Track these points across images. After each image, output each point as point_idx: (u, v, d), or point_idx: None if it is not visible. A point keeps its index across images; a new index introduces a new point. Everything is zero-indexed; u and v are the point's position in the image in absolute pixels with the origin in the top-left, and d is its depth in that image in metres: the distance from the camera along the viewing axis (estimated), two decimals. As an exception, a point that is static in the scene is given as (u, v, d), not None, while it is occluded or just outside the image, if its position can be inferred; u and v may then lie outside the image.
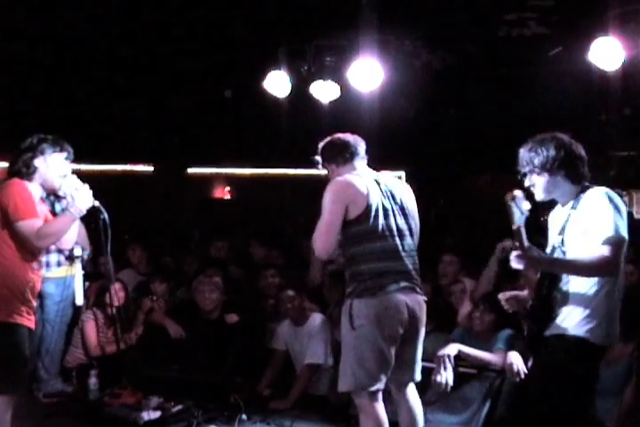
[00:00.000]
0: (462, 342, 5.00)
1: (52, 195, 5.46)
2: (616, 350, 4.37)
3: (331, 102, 8.41)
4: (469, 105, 10.37)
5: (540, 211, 3.71)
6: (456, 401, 4.82)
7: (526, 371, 4.54)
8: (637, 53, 6.50)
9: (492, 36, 7.69)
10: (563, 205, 3.61)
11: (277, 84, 8.09)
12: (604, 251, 3.31)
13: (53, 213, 5.56)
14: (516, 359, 4.65)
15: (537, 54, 7.97)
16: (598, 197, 3.42)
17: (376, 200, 4.05)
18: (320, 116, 8.89)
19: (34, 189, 4.08)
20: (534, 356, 3.86)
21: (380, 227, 4.01)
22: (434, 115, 11.29)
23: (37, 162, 4.08)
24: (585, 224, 3.40)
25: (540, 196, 3.57)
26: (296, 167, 15.03)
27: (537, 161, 3.50)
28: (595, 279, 3.39)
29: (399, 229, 4.07)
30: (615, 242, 3.31)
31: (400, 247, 4.05)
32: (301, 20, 7.73)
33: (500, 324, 5.01)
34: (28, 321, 3.98)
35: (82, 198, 4.09)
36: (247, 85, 9.09)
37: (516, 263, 3.36)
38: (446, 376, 4.73)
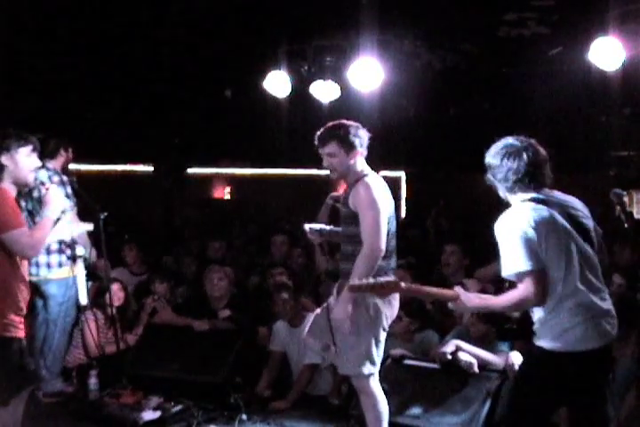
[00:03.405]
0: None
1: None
2: (616, 351, 4.38)
3: (331, 102, 8.42)
4: (469, 105, 10.38)
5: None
6: (456, 401, 4.81)
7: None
8: (637, 53, 6.50)
9: (492, 36, 7.69)
10: None
11: (277, 84, 8.09)
12: (521, 291, 3.26)
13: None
14: (517, 360, 4.65)
15: (537, 54, 7.98)
16: (508, 223, 3.33)
17: (389, 204, 4.30)
18: (320, 116, 8.88)
19: (10, 190, 3.94)
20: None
21: (391, 229, 4.27)
22: (434, 115, 11.30)
23: (4, 159, 3.91)
24: (501, 251, 3.35)
25: (501, 193, 3.56)
26: (296, 167, 15.06)
27: (494, 168, 3.51)
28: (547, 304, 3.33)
29: (395, 231, 4.36)
30: (527, 277, 3.23)
31: (395, 248, 4.33)
32: (301, 20, 7.73)
33: (494, 333, 5.02)
34: (21, 331, 3.90)
35: (54, 198, 4.02)
36: (247, 85, 9.11)
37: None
38: (468, 358, 4.81)
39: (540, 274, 3.25)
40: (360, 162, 4.33)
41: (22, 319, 3.93)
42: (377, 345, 4.23)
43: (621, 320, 3.46)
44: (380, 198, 4.20)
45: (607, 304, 3.38)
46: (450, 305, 3.46)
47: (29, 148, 3.98)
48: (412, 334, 5.43)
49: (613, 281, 5.50)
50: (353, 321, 4.15)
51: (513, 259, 3.26)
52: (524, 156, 3.42)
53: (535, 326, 3.40)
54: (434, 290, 3.54)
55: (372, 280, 3.43)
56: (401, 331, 5.40)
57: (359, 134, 4.29)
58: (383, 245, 4.13)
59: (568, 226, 3.33)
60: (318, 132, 4.32)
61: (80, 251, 5.48)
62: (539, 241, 3.25)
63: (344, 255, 4.31)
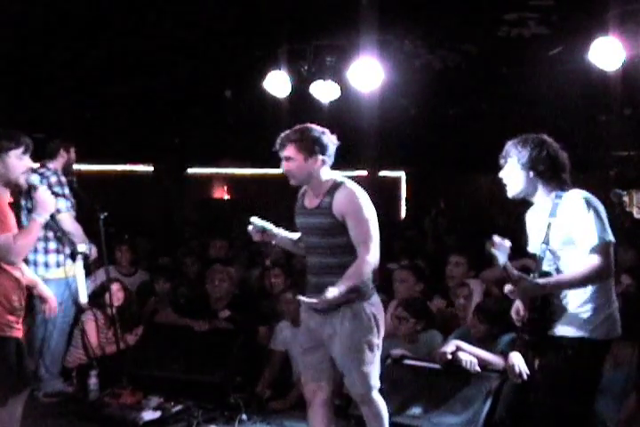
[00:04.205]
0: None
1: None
2: (620, 353, 4.38)
3: (331, 102, 8.42)
4: (469, 105, 10.38)
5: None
6: (456, 401, 4.81)
7: (528, 372, 4.53)
8: (637, 53, 6.50)
9: (492, 36, 7.69)
10: (538, 208, 3.64)
11: (277, 84, 8.09)
12: (594, 260, 3.34)
13: (52, 215, 5.59)
14: (517, 360, 4.64)
15: (537, 54, 7.98)
16: (575, 202, 3.44)
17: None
18: (320, 116, 8.87)
19: (3, 194, 3.90)
20: (540, 359, 3.87)
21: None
22: (434, 115, 11.31)
23: None
24: (568, 233, 3.42)
25: (511, 191, 3.61)
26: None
27: (516, 156, 3.55)
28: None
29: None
30: (602, 248, 3.35)
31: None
32: (301, 20, 7.73)
33: (496, 332, 5.01)
34: (18, 331, 3.87)
35: (43, 200, 3.94)
36: (247, 85, 9.10)
37: (513, 297, 3.48)
38: (468, 357, 4.79)
39: (611, 250, 3.38)
40: (325, 170, 4.06)
41: (19, 319, 3.90)
42: (376, 355, 4.12)
43: (629, 322, 3.49)
44: (370, 204, 4.02)
45: None
46: (507, 289, 3.45)
47: (20, 150, 3.89)
48: (417, 334, 5.42)
49: (621, 282, 5.50)
50: (352, 338, 3.99)
51: (594, 230, 3.35)
52: (547, 146, 3.54)
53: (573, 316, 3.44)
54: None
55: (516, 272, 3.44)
56: (407, 332, 5.40)
57: (322, 140, 4.02)
58: (377, 254, 3.98)
59: None
60: (280, 135, 4.09)
61: (82, 247, 5.46)
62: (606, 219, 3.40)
63: (324, 268, 4.03)
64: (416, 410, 4.86)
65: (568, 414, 3.42)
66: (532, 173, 3.53)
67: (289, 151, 4.01)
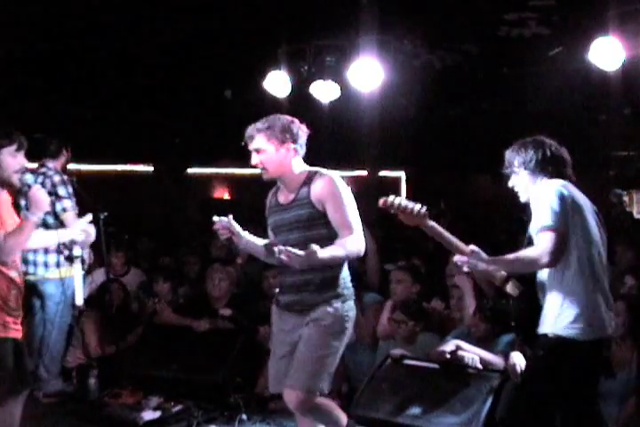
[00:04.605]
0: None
1: (53, 195, 5.47)
2: (621, 355, 4.39)
3: (331, 102, 8.41)
4: (469, 105, 10.38)
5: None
6: (456, 401, 4.81)
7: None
8: (637, 53, 6.50)
9: (491, 36, 7.70)
10: None
11: (277, 84, 8.09)
12: (540, 241, 3.35)
13: (56, 215, 5.59)
14: (518, 360, 4.64)
15: (537, 54, 7.98)
16: (542, 190, 3.47)
17: None
18: (320, 116, 8.89)
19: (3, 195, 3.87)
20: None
21: None
22: (434, 115, 11.31)
23: None
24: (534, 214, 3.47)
25: (524, 197, 3.64)
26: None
27: (517, 161, 3.58)
28: (564, 277, 3.42)
29: None
30: (545, 234, 3.34)
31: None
32: (301, 20, 7.74)
33: (497, 331, 5.01)
34: (15, 331, 3.84)
35: (38, 200, 3.86)
36: (247, 85, 9.10)
37: (460, 267, 3.50)
38: (470, 354, 4.78)
39: (559, 234, 3.34)
40: (297, 161, 3.87)
41: (16, 320, 3.88)
42: (333, 362, 3.84)
43: (632, 324, 3.50)
44: (349, 191, 3.82)
45: (609, 296, 3.48)
46: (455, 258, 3.50)
47: (13, 147, 3.83)
48: (415, 336, 5.42)
49: (625, 282, 5.49)
50: (316, 337, 3.77)
51: (541, 216, 3.38)
52: (547, 146, 3.56)
53: (548, 314, 3.46)
54: (452, 239, 3.66)
55: (406, 202, 3.50)
56: (406, 334, 5.39)
57: (292, 128, 3.84)
58: (363, 244, 3.77)
59: (593, 212, 3.47)
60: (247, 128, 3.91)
61: (77, 251, 5.47)
62: (569, 207, 3.38)
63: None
64: (416, 410, 4.84)
65: (534, 412, 3.49)
66: (539, 175, 3.55)
67: (258, 142, 3.84)
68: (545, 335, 3.46)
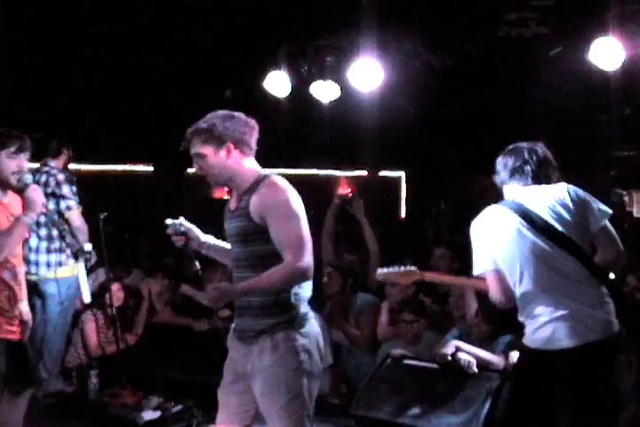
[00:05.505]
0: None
1: (57, 194, 5.47)
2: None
3: (331, 102, 8.42)
4: (469, 105, 10.37)
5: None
6: (456, 401, 4.81)
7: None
8: (637, 53, 6.50)
9: (492, 36, 7.69)
10: None
11: (277, 84, 8.09)
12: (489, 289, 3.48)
13: (60, 213, 5.59)
14: (518, 359, 4.64)
15: (537, 54, 7.98)
16: (471, 226, 3.55)
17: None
18: (320, 116, 8.90)
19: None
20: None
21: None
22: (434, 115, 11.30)
23: None
24: None
25: None
26: (296, 167, 15.06)
27: (502, 171, 3.58)
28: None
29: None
30: (488, 276, 3.45)
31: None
32: (301, 20, 7.73)
33: (497, 332, 5.02)
34: (9, 333, 3.84)
35: (34, 200, 3.86)
36: (247, 85, 9.10)
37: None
38: (467, 358, 4.79)
39: (495, 274, 3.41)
40: (246, 163, 3.36)
41: (11, 320, 3.87)
42: (311, 399, 3.28)
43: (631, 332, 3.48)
44: (299, 202, 3.25)
45: (585, 304, 3.32)
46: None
47: (11, 149, 3.82)
48: (422, 335, 5.42)
49: (628, 283, 5.50)
50: (271, 376, 3.20)
51: (475, 259, 3.46)
52: (524, 153, 3.52)
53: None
54: (459, 279, 3.75)
55: (395, 268, 3.57)
56: (415, 333, 5.40)
57: (231, 125, 3.34)
58: (312, 265, 3.17)
59: (528, 229, 3.37)
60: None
61: (88, 247, 5.44)
62: (493, 243, 3.41)
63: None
64: (416, 410, 4.85)
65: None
66: (521, 182, 3.52)
67: (196, 147, 3.33)
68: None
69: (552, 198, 3.43)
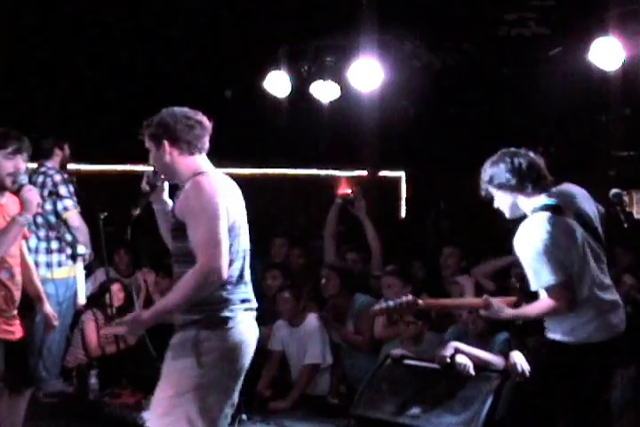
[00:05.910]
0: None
1: (54, 194, 5.47)
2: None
3: (331, 102, 8.42)
4: (469, 105, 10.37)
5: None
6: (456, 401, 4.81)
7: (530, 371, 4.53)
8: (637, 53, 6.50)
9: (492, 36, 7.70)
10: None
11: (277, 84, 8.09)
12: (551, 302, 3.35)
13: (57, 214, 5.58)
14: (519, 359, 4.64)
15: (537, 54, 7.98)
16: (525, 237, 3.38)
17: (239, 211, 3.30)
18: (320, 116, 8.89)
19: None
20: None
21: (240, 244, 3.26)
22: (434, 115, 11.30)
23: None
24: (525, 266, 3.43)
25: (508, 214, 3.60)
26: (296, 167, 15.06)
27: (487, 179, 3.57)
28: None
29: (247, 249, 3.34)
30: (556, 289, 3.32)
31: (245, 271, 3.30)
32: (301, 20, 7.74)
33: (494, 328, 5.01)
34: (7, 333, 3.83)
35: (29, 200, 3.88)
36: (247, 85, 9.10)
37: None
38: (464, 361, 4.78)
39: (567, 284, 3.33)
40: (187, 162, 3.26)
41: (9, 320, 3.86)
42: (222, 407, 3.22)
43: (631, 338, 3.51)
44: (217, 201, 3.11)
45: (614, 296, 3.49)
46: (483, 313, 3.57)
47: (8, 150, 3.81)
48: (423, 335, 5.42)
49: (624, 282, 5.51)
50: (167, 372, 3.23)
51: (539, 273, 3.33)
52: (520, 157, 3.50)
53: (546, 322, 3.49)
54: (459, 301, 3.70)
55: (391, 303, 3.52)
56: (414, 335, 5.39)
57: (170, 122, 3.27)
58: (225, 266, 3.04)
59: (580, 228, 3.42)
60: None
61: (81, 249, 5.46)
62: (560, 251, 3.32)
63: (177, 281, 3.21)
64: (416, 410, 4.85)
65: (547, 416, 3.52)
66: (508, 191, 3.51)
67: (145, 141, 3.35)
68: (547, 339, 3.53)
69: (573, 192, 3.54)
